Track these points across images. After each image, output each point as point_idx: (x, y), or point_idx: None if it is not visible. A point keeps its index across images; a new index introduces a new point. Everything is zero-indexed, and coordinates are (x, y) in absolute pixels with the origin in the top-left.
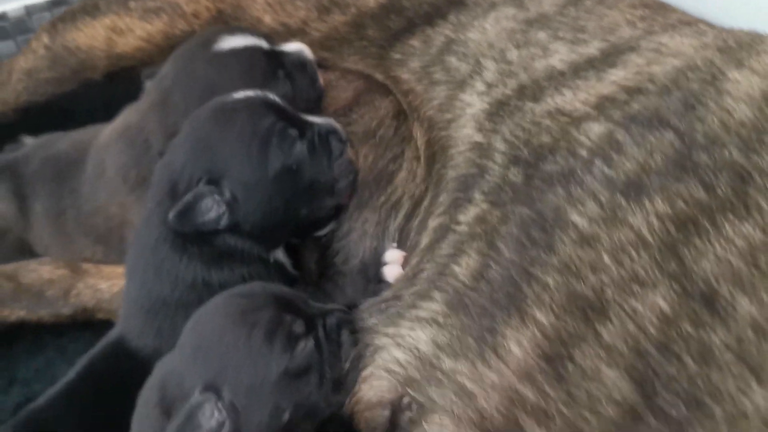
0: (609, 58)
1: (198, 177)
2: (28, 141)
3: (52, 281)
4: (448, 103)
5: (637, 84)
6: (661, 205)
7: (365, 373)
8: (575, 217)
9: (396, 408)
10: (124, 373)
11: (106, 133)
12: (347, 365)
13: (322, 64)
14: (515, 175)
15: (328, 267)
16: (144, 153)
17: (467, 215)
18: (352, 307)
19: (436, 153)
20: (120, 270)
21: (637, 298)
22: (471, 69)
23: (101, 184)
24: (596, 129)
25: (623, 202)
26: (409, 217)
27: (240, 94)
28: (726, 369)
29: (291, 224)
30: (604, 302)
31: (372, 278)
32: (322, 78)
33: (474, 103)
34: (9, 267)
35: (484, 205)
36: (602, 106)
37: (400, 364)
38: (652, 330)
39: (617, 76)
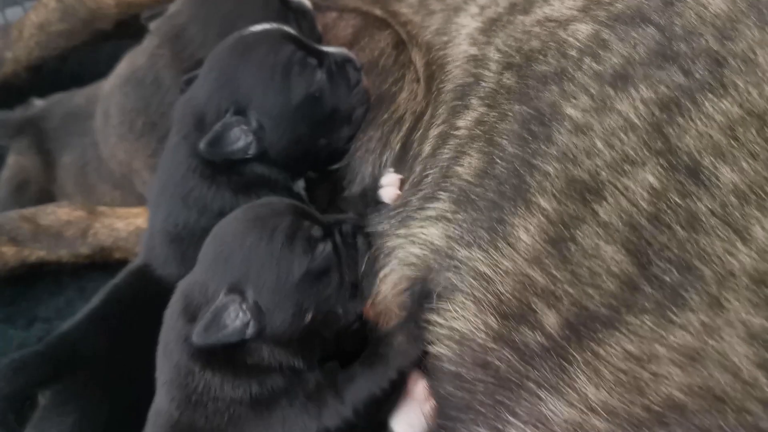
0: None
1: (225, 108)
2: (39, 103)
3: (69, 222)
4: (444, 27)
5: None
6: (645, 92)
7: (384, 272)
8: (569, 110)
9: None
10: (148, 298)
11: (110, 80)
12: (363, 268)
13: (320, 5)
14: (509, 78)
15: (335, 194)
16: (154, 93)
17: (466, 119)
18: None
19: (434, 72)
20: (135, 211)
21: (628, 177)
22: None
23: (109, 131)
24: (583, 30)
25: (612, 93)
26: (412, 130)
27: (258, 27)
28: (713, 233)
29: (313, 153)
30: (599, 183)
31: (370, 202)
32: (320, 24)
33: (468, 24)
34: (28, 211)
35: (482, 108)
36: (588, 9)
37: (417, 258)
38: (643, 204)
39: None
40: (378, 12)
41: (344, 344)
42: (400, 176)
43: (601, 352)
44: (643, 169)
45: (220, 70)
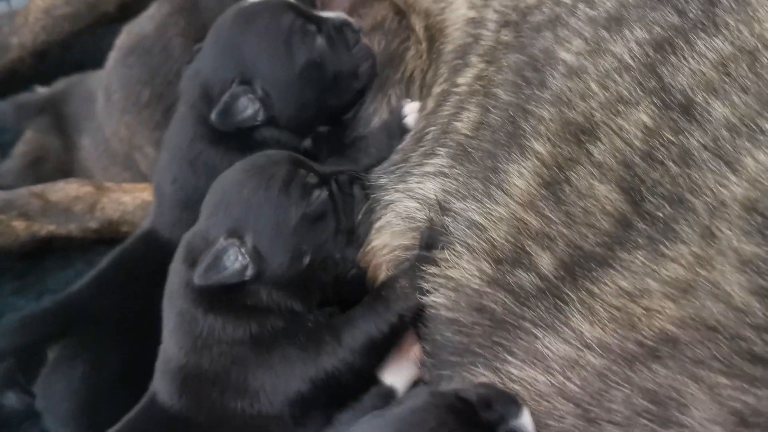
0: None
1: (230, 78)
2: (42, 91)
3: (78, 197)
4: None
5: None
6: (639, 33)
7: (380, 223)
8: (563, 54)
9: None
10: (154, 260)
11: (112, 55)
12: (359, 217)
13: None
14: (506, 35)
15: (350, 134)
16: (163, 62)
17: (466, 76)
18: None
19: (434, 35)
20: (140, 186)
21: (622, 117)
22: None
23: (111, 107)
24: None
25: (606, 35)
26: (421, 87)
27: None
28: (704, 167)
29: (323, 112)
30: (593, 125)
31: (395, 133)
32: None
33: None
34: (37, 187)
35: (481, 65)
36: None
37: (414, 211)
38: (637, 143)
39: None
40: None
41: (344, 292)
42: (419, 103)
43: (596, 290)
44: (637, 108)
45: (224, 42)
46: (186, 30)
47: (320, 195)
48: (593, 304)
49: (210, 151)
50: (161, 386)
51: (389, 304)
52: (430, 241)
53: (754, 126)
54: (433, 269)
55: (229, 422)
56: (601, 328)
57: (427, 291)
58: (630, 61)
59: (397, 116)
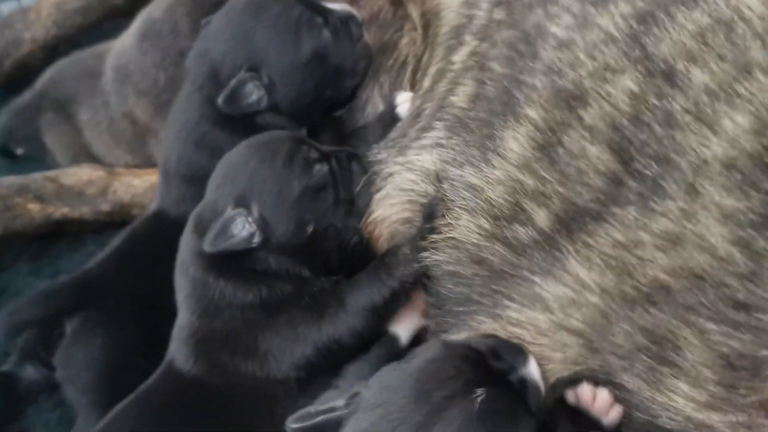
0: None
1: (239, 64)
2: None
3: (91, 181)
4: None
5: None
6: (624, 7)
7: (381, 194)
8: (554, 29)
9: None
10: (163, 238)
11: (125, 38)
12: (358, 189)
13: None
14: (499, 14)
15: (345, 131)
16: (172, 42)
17: (460, 54)
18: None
19: (430, 20)
20: (150, 170)
21: (610, 84)
22: None
23: (127, 89)
24: None
25: (592, 10)
26: (415, 71)
27: None
28: (687, 129)
29: (319, 104)
30: (583, 91)
31: (389, 122)
32: None
33: None
34: (51, 172)
35: (474, 42)
36: None
37: (413, 182)
38: (624, 107)
39: None
40: None
41: (349, 260)
42: (411, 93)
43: (591, 241)
44: (623, 76)
45: (235, 28)
46: (192, 10)
47: (321, 169)
48: (589, 254)
49: (215, 131)
50: (177, 352)
51: (391, 270)
52: (432, 212)
53: (731, 91)
54: (433, 236)
55: (242, 385)
56: (598, 274)
57: (429, 250)
58: (615, 33)
59: (390, 106)
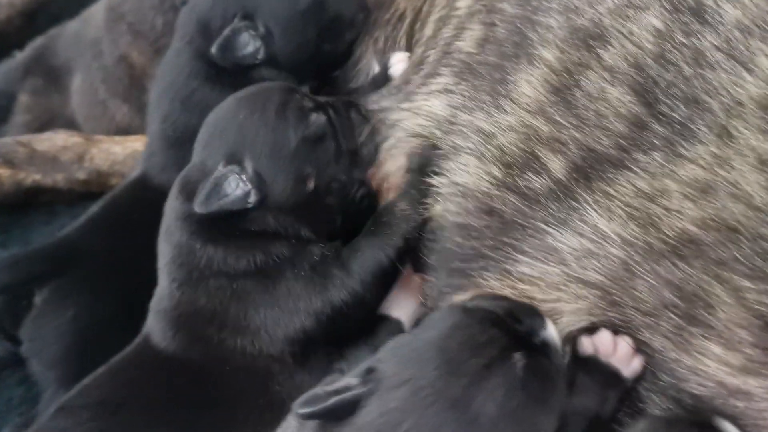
0: None
1: (232, 13)
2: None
3: (66, 147)
4: None
5: None
6: None
7: (388, 143)
8: None
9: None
10: (146, 205)
11: None
12: (361, 138)
13: None
14: None
15: (343, 89)
16: None
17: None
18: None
19: None
20: (132, 137)
21: (632, 21)
22: None
23: (120, 30)
24: None
25: None
26: (413, 23)
27: None
28: (718, 67)
29: (318, 58)
30: (603, 30)
31: (381, 82)
32: None
33: None
34: (24, 136)
35: None
36: None
37: (422, 127)
38: (648, 46)
39: None
40: None
41: (355, 217)
42: (407, 53)
43: (611, 191)
44: (647, 13)
45: None
46: None
47: (318, 117)
48: (609, 204)
49: (205, 88)
50: (155, 326)
51: (392, 228)
52: (422, 161)
53: (766, 27)
54: (440, 180)
55: (227, 361)
56: (619, 225)
57: (436, 201)
58: None
59: (384, 66)
